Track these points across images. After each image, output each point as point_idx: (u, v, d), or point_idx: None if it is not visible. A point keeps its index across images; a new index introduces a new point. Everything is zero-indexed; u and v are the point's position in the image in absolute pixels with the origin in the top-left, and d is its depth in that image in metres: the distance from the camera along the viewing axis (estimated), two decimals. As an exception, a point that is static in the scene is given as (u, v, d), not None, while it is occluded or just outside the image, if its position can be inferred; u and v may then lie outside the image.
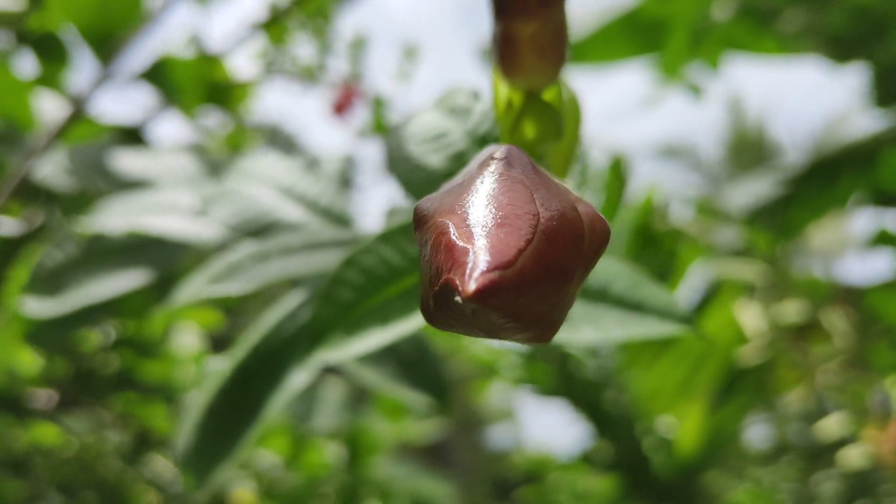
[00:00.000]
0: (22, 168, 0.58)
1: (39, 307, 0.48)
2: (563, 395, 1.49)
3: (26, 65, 0.75)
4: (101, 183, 0.54)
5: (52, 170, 0.57)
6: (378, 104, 1.15)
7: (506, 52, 0.22)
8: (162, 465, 0.96)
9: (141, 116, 0.84)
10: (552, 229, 0.15)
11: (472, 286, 0.13)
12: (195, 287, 0.33)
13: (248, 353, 0.36)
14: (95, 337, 0.84)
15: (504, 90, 0.24)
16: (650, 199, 1.31)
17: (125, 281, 0.47)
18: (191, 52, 1.01)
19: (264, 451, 1.05)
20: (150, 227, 0.43)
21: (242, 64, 1.24)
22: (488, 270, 0.13)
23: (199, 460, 0.35)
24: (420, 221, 0.16)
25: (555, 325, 0.17)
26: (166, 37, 1.05)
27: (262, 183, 0.41)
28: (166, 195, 0.46)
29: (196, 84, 0.75)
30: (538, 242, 0.14)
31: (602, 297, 0.32)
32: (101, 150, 0.58)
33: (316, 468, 1.04)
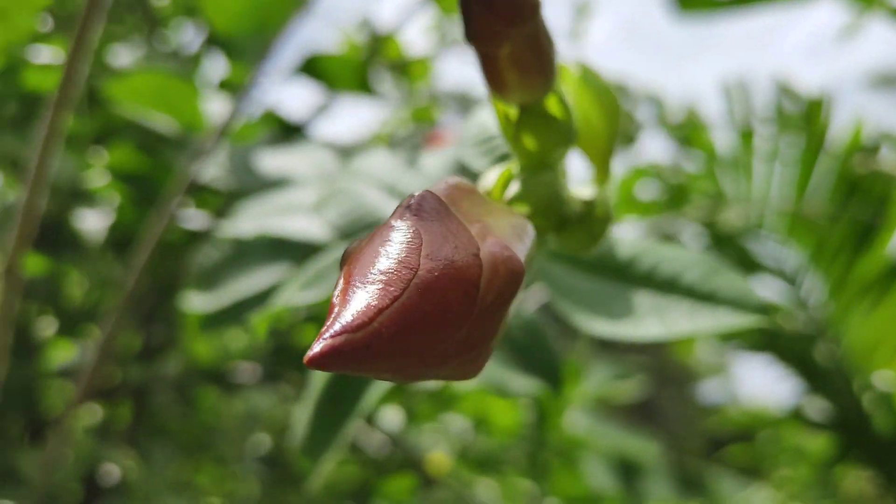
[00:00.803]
0: (192, 169, 0.64)
1: (200, 302, 0.53)
2: (771, 350, 1.42)
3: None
4: (253, 183, 0.58)
5: (216, 171, 0.62)
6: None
7: (487, 73, 0.22)
8: (363, 433, 1.03)
9: (312, 108, 0.89)
10: (429, 281, 0.15)
11: (309, 353, 0.14)
12: (288, 293, 0.35)
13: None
14: (289, 313, 0.90)
15: (500, 105, 0.24)
16: (856, 140, 1.20)
17: (269, 276, 0.51)
18: (363, 35, 1.05)
19: (456, 416, 1.09)
20: (276, 229, 0.46)
21: (416, 38, 1.27)
22: (335, 335, 0.14)
23: (310, 448, 0.38)
24: (341, 264, 0.17)
25: (472, 363, 0.17)
26: (338, 20, 1.10)
27: (368, 182, 0.43)
28: (296, 195, 0.49)
29: (355, 72, 0.78)
30: (408, 298, 0.15)
31: (671, 287, 0.31)
32: (256, 149, 0.62)
33: (507, 429, 1.06)
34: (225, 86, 0.80)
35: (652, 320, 0.30)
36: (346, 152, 0.57)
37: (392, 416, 1.03)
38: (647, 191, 1.31)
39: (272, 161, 0.58)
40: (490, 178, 0.24)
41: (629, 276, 0.32)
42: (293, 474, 0.87)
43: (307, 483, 0.37)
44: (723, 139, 1.33)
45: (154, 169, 0.71)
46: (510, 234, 0.18)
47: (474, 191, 0.19)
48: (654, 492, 1.34)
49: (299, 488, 0.89)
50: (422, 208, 0.17)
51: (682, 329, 0.29)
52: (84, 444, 0.84)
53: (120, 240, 0.73)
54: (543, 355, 0.42)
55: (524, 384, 0.42)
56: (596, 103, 0.27)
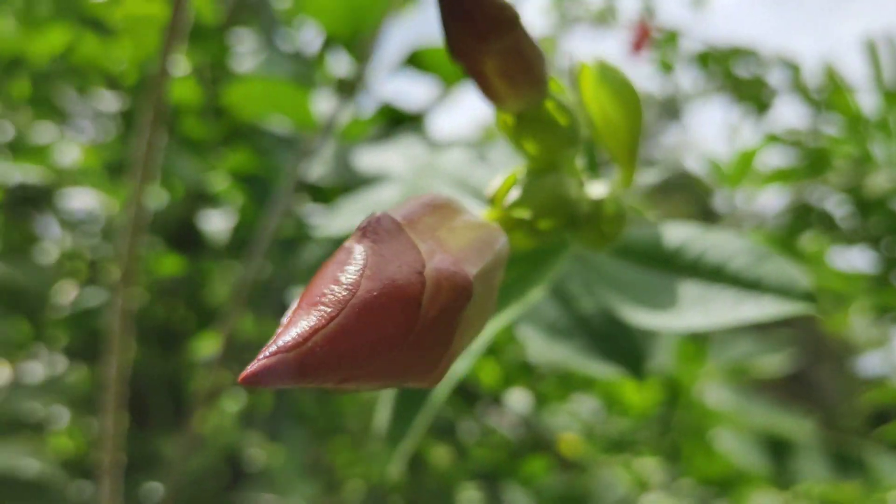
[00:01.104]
0: (302, 168, 0.67)
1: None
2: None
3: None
4: (353, 180, 0.61)
5: (323, 169, 0.65)
6: (670, 39, 1.11)
7: (477, 86, 0.23)
8: (495, 416, 1.05)
9: (430, 98, 0.91)
10: (367, 300, 0.16)
11: (243, 373, 0.15)
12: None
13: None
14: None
15: (500, 112, 0.24)
16: None
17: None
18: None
19: (587, 396, 1.09)
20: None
21: (535, 19, 1.27)
22: (269, 355, 0.15)
23: (390, 440, 0.40)
24: None
25: (428, 371, 0.18)
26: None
27: (443, 178, 0.44)
28: (384, 193, 0.51)
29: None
30: (344, 318, 0.16)
31: (718, 276, 0.30)
32: (359, 146, 0.65)
33: (639, 409, 1.05)
34: (338, 83, 0.83)
35: (695, 310, 0.30)
36: (437, 146, 0.58)
37: (522, 398, 1.04)
38: (783, 158, 1.26)
39: (371, 158, 0.61)
40: (495, 182, 0.25)
41: (676, 265, 0.31)
42: (424, 455, 0.90)
43: (389, 468, 0.39)
44: (867, 100, 1.26)
45: (269, 169, 0.75)
46: (467, 249, 0.19)
47: (446, 205, 0.20)
48: (807, 471, 1.29)
49: (431, 469, 0.92)
50: (373, 230, 0.18)
51: (725, 319, 0.29)
52: (229, 431, 0.90)
53: (245, 238, 0.78)
54: (625, 343, 0.42)
55: (605, 371, 0.42)
56: (615, 100, 0.27)
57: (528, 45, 0.22)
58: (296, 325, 0.16)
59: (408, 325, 0.17)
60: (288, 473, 0.87)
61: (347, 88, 0.74)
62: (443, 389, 0.38)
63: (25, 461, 0.63)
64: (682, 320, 0.30)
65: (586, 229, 0.26)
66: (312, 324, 0.16)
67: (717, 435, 1.11)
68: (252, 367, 0.15)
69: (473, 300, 0.19)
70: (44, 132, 0.89)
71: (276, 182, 0.73)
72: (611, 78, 0.27)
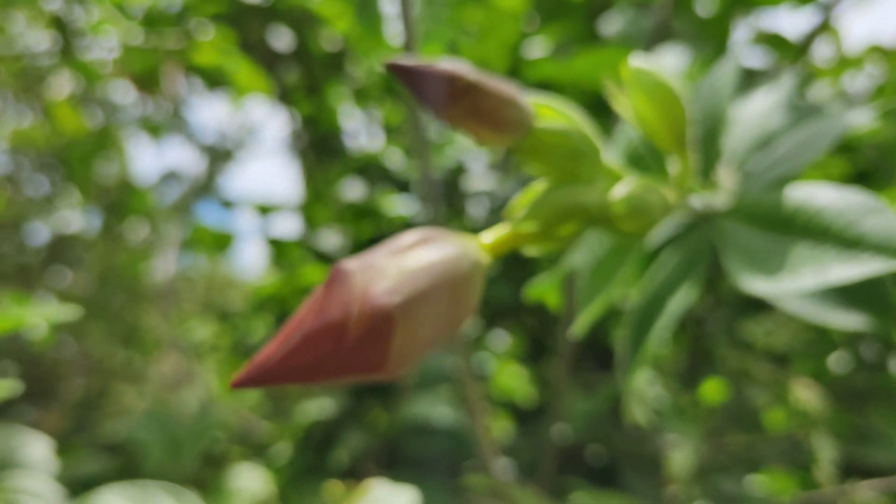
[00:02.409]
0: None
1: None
2: None
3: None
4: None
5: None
6: None
7: (467, 134, 0.27)
8: None
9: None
10: (310, 331, 0.24)
11: (232, 380, 0.24)
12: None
13: (640, 302, 0.43)
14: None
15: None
16: None
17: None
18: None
19: None
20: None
21: None
22: (247, 369, 0.24)
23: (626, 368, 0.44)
24: None
25: (378, 369, 0.25)
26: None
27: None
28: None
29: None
30: (293, 344, 0.24)
31: (824, 236, 0.30)
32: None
33: None
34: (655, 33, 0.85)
35: (791, 275, 0.30)
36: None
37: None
38: None
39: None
40: (517, 199, 0.29)
41: (792, 228, 0.31)
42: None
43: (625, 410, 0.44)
44: None
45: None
46: (403, 281, 0.25)
47: (414, 242, 0.26)
48: None
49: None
50: (331, 277, 0.25)
51: (813, 283, 0.29)
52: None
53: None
54: (874, 290, 0.40)
55: (849, 321, 0.41)
56: (649, 103, 0.29)
57: (490, 100, 0.26)
58: (266, 349, 0.25)
59: (338, 344, 0.24)
60: (690, 418, 0.92)
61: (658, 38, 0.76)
62: (661, 332, 0.41)
63: (440, 410, 0.77)
64: (778, 286, 0.30)
65: (609, 229, 0.29)
66: (272, 349, 0.24)
67: None
68: (235, 378, 0.24)
69: (409, 314, 0.25)
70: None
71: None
72: (645, 82, 0.29)
